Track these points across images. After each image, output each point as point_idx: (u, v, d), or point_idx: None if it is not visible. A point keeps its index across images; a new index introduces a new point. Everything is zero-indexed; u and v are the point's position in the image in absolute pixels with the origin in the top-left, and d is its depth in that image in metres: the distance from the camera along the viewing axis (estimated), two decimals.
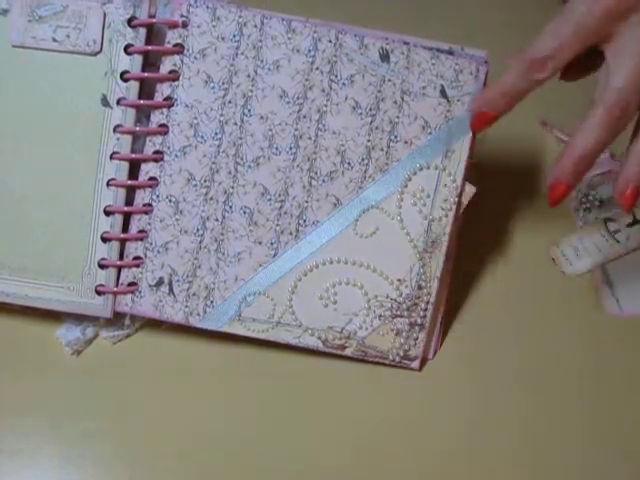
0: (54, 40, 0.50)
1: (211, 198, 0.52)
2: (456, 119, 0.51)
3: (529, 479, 0.51)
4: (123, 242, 0.52)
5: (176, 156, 0.51)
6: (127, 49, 0.50)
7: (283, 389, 0.53)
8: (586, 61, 0.47)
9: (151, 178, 0.52)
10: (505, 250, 0.60)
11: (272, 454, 0.51)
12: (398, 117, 0.52)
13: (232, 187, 0.52)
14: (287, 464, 0.50)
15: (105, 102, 0.51)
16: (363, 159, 0.52)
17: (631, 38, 0.44)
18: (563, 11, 0.46)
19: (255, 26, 0.51)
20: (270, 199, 0.52)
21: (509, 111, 0.49)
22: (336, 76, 0.51)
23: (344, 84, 0.51)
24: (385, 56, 0.51)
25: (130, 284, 0.52)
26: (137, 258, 0.52)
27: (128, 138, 0.51)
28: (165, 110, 0.51)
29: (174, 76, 0.51)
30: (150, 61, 0.51)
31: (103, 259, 0.52)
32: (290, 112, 0.51)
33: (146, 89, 0.51)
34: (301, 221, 0.52)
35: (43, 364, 0.53)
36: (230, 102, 0.51)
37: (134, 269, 0.52)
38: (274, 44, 0.51)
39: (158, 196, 0.52)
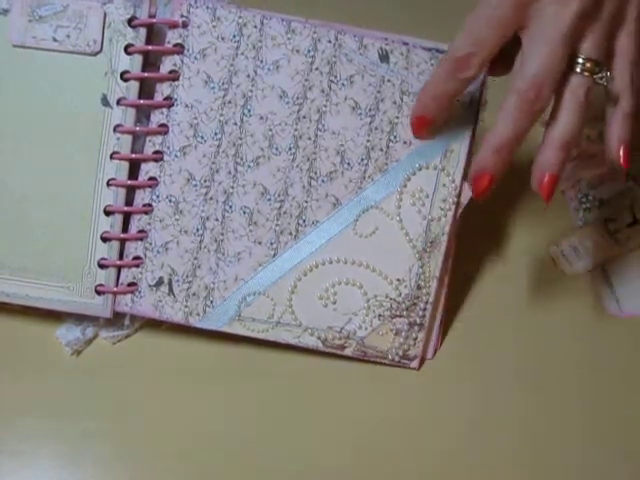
0: (54, 40, 0.50)
1: (211, 198, 0.52)
2: (455, 119, 0.51)
3: (529, 479, 0.51)
4: (123, 242, 0.52)
5: (176, 156, 0.51)
6: (127, 49, 0.50)
7: (283, 389, 0.53)
8: (513, 54, 0.46)
9: (151, 178, 0.52)
10: (505, 250, 0.60)
11: (272, 454, 0.51)
12: (397, 117, 0.52)
13: (232, 187, 0.52)
14: (287, 464, 0.50)
15: (105, 102, 0.51)
16: (362, 159, 0.52)
17: (542, 23, 0.44)
18: (477, 6, 0.45)
19: (255, 26, 0.51)
20: (270, 199, 0.52)
21: (446, 112, 0.49)
22: (335, 76, 0.51)
23: (343, 84, 0.51)
24: (384, 56, 0.51)
25: (130, 284, 0.52)
26: (137, 258, 0.52)
27: (128, 138, 0.51)
28: (165, 110, 0.51)
29: (174, 76, 0.51)
30: (150, 61, 0.52)
31: (103, 259, 0.52)
32: (290, 112, 0.51)
33: (146, 89, 0.51)
34: (301, 221, 0.52)
35: (43, 364, 0.53)
36: (230, 102, 0.51)
37: (134, 269, 0.52)
38: (274, 44, 0.51)
39: (158, 196, 0.52)
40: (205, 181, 0.52)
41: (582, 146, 0.60)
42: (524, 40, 0.45)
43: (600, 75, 0.45)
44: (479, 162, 0.47)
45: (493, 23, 0.44)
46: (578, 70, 0.45)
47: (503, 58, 0.46)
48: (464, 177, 0.52)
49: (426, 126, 0.50)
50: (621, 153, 0.47)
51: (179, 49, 0.51)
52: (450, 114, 0.50)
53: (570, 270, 0.59)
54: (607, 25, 0.45)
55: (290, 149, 0.52)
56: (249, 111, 0.51)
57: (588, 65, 0.45)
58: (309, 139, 0.52)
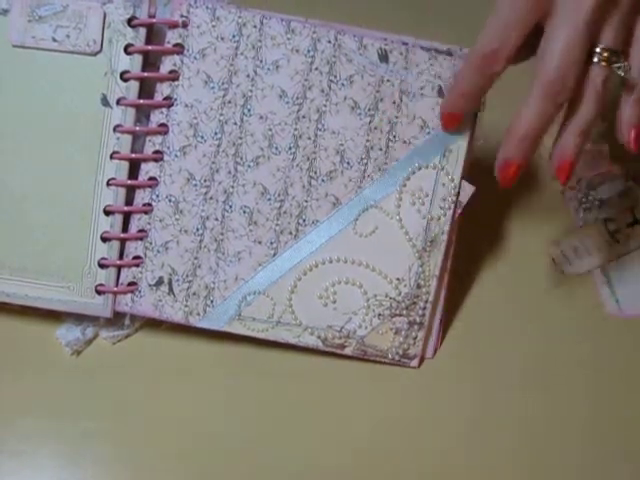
0: (54, 40, 0.50)
1: (211, 198, 0.52)
2: None
3: (529, 478, 0.51)
4: (123, 242, 0.52)
5: (176, 156, 0.51)
6: (127, 49, 0.50)
7: (283, 389, 0.53)
8: (533, 40, 0.47)
9: (151, 178, 0.52)
10: (504, 250, 0.60)
11: (272, 454, 0.51)
12: (397, 117, 0.52)
13: (232, 187, 0.52)
14: (287, 464, 0.50)
15: (105, 102, 0.51)
16: (362, 159, 0.52)
17: (565, 10, 0.44)
18: (498, 1, 0.46)
19: (254, 26, 0.51)
20: (270, 199, 0.52)
21: (475, 108, 0.50)
22: (335, 76, 0.51)
23: (343, 84, 0.51)
24: (384, 56, 0.51)
25: (130, 284, 0.52)
26: (137, 258, 0.52)
27: (128, 138, 0.51)
28: (165, 110, 0.51)
29: (174, 76, 0.51)
30: (150, 61, 0.52)
31: (103, 259, 0.52)
32: (289, 112, 0.51)
33: (146, 89, 0.51)
34: (301, 220, 0.52)
35: (43, 364, 0.53)
36: (230, 102, 0.51)
37: (134, 269, 0.52)
38: (273, 44, 0.51)
39: (158, 196, 0.52)
40: (205, 181, 0.52)
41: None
42: (547, 28, 0.45)
43: (618, 65, 0.45)
44: (505, 152, 0.47)
45: (516, 14, 0.45)
46: (596, 60, 0.45)
47: (524, 45, 0.46)
48: (463, 176, 0.52)
49: (456, 122, 0.51)
50: (632, 136, 0.48)
51: (179, 49, 0.51)
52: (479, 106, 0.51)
53: (570, 270, 0.59)
54: (626, 13, 0.45)
55: (290, 149, 0.52)
56: (249, 111, 0.51)
57: (606, 55, 0.45)
58: (309, 139, 0.52)
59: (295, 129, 0.52)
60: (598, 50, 0.45)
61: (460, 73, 0.48)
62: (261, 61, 0.51)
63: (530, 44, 0.46)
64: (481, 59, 0.46)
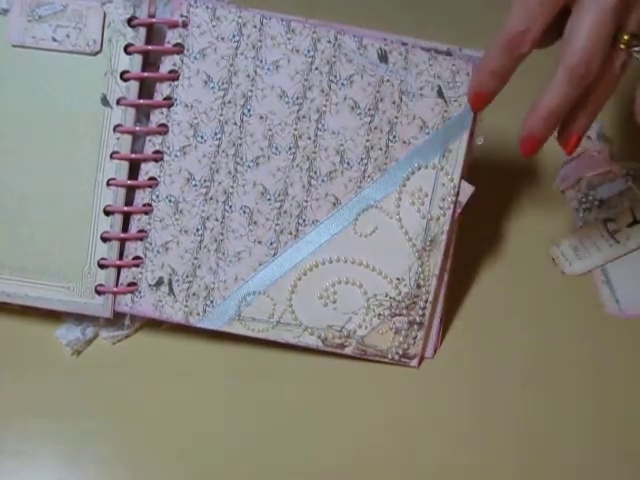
0: (54, 40, 0.50)
1: (211, 198, 0.52)
2: (453, 119, 0.52)
3: (529, 478, 0.51)
4: (123, 242, 0.52)
5: (176, 156, 0.51)
6: (127, 49, 0.50)
7: (283, 389, 0.53)
8: (559, 24, 0.47)
9: (151, 178, 0.52)
10: (504, 250, 0.60)
11: (272, 454, 0.51)
12: (396, 117, 0.52)
13: (232, 187, 0.52)
14: (287, 464, 0.50)
15: (105, 102, 0.51)
16: (362, 159, 0.52)
17: None
18: None
19: (255, 26, 0.51)
20: (270, 199, 0.52)
21: (501, 87, 0.49)
22: (335, 76, 0.51)
23: (343, 84, 0.51)
24: (384, 57, 0.51)
25: (130, 284, 0.52)
26: (137, 258, 0.52)
27: (128, 138, 0.51)
28: (165, 110, 0.51)
29: (174, 76, 0.51)
30: (150, 61, 0.52)
31: (103, 259, 0.52)
32: (289, 112, 0.51)
33: (146, 89, 0.51)
34: (301, 220, 0.52)
35: (43, 364, 0.53)
36: (230, 102, 0.51)
37: (134, 269, 0.52)
38: (274, 44, 0.51)
39: (158, 196, 0.52)
40: (205, 181, 0.52)
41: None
42: (574, 11, 0.45)
43: (637, 49, 0.46)
44: (529, 126, 0.48)
45: None
46: (617, 44, 0.45)
47: (550, 28, 0.46)
48: (463, 176, 0.52)
49: (484, 101, 0.50)
50: None
51: (179, 49, 0.51)
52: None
53: (570, 270, 0.59)
54: None
55: (290, 149, 0.52)
56: (249, 111, 0.51)
57: (626, 38, 0.45)
58: (309, 139, 0.52)
59: (295, 129, 0.52)
60: (620, 34, 0.45)
61: (487, 53, 0.48)
62: (261, 61, 0.51)
63: (556, 27, 0.46)
64: (508, 40, 0.46)
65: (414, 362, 0.54)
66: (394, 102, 0.52)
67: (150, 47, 0.51)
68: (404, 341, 0.53)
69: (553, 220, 0.61)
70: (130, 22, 0.50)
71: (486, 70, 0.49)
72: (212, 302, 0.52)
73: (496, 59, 0.48)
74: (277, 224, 0.52)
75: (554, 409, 0.54)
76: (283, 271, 0.52)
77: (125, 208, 0.52)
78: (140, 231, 0.52)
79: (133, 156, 0.51)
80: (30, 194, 0.52)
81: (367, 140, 0.52)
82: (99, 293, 0.52)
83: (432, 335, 0.55)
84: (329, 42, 0.51)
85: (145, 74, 0.51)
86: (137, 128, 0.51)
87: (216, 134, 0.51)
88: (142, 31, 0.50)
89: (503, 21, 0.46)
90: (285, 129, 0.52)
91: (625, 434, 0.53)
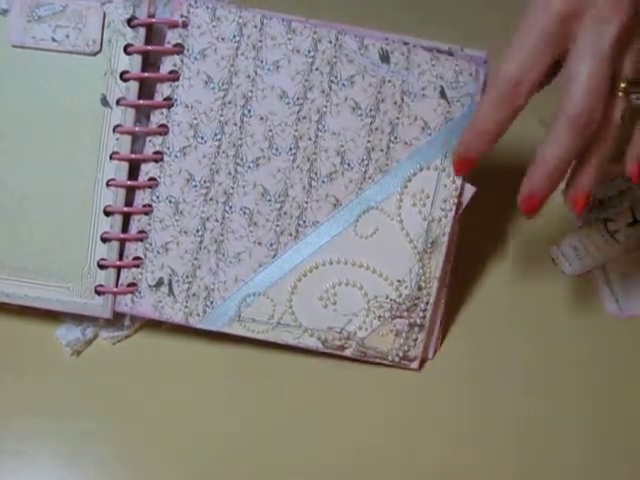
0: (54, 40, 0.50)
1: (211, 199, 0.52)
2: (456, 120, 0.51)
3: (529, 478, 0.51)
4: (123, 242, 0.52)
5: (176, 157, 0.51)
6: (127, 49, 0.50)
7: (283, 389, 0.53)
8: (552, 69, 0.46)
9: (151, 179, 0.52)
10: (505, 250, 0.60)
11: (272, 454, 0.51)
12: (398, 118, 0.51)
13: (232, 188, 0.52)
14: (287, 464, 0.50)
15: (105, 102, 0.51)
16: (363, 160, 0.52)
17: (586, 42, 0.44)
18: (518, 31, 0.45)
19: (255, 26, 0.51)
20: (270, 200, 0.52)
21: (491, 149, 0.48)
22: (336, 77, 0.51)
23: (344, 85, 0.51)
24: (385, 57, 0.51)
25: (130, 284, 0.52)
26: (137, 258, 0.52)
27: (128, 138, 0.51)
28: (165, 110, 0.51)
29: (174, 76, 0.51)
30: (150, 61, 0.51)
31: (103, 259, 0.52)
32: (290, 113, 0.51)
33: (146, 89, 0.51)
34: (301, 222, 0.52)
35: (43, 364, 0.53)
36: (230, 103, 0.51)
37: (134, 269, 0.52)
38: (274, 44, 0.51)
39: (158, 197, 0.52)
40: (205, 182, 0.51)
41: None
42: (568, 61, 0.45)
43: (635, 96, 0.45)
44: (530, 184, 0.47)
45: (538, 45, 0.44)
46: (615, 91, 0.45)
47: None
48: (465, 178, 0.52)
49: (471, 166, 0.50)
50: (634, 170, 0.48)
51: (179, 49, 0.50)
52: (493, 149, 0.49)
53: (570, 270, 0.59)
54: None
55: (290, 150, 0.52)
56: (249, 111, 0.51)
57: (624, 85, 0.45)
58: (309, 139, 0.51)
59: (295, 130, 0.51)
60: (617, 82, 0.45)
61: (479, 111, 0.47)
62: (261, 61, 0.51)
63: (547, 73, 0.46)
64: (502, 94, 0.45)
65: (414, 364, 0.54)
66: (395, 103, 0.51)
67: (150, 47, 0.51)
68: (404, 343, 0.53)
69: (553, 220, 0.61)
70: (130, 22, 0.50)
71: (478, 130, 0.47)
72: (212, 303, 0.52)
73: (490, 115, 0.46)
74: (277, 225, 0.52)
75: (554, 409, 0.54)
76: (283, 272, 0.52)
77: (125, 209, 0.51)
78: (140, 232, 0.52)
79: (133, 156, 0.51)
80: (30, 194, 0.51)
81: (368, 141, 0.52)
82: (99, 293, 0.52)
83: (433, 337, 0.54)
84: (330, 42, 0.51)
85: (145, 74, 0.51)
86: (137, 128, 0.51)
87: (216, 135, 0.51)
88: (142, 31, 0.50)
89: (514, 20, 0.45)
90: (285, 130, 0.51)
91: (625, 434, 0.53)
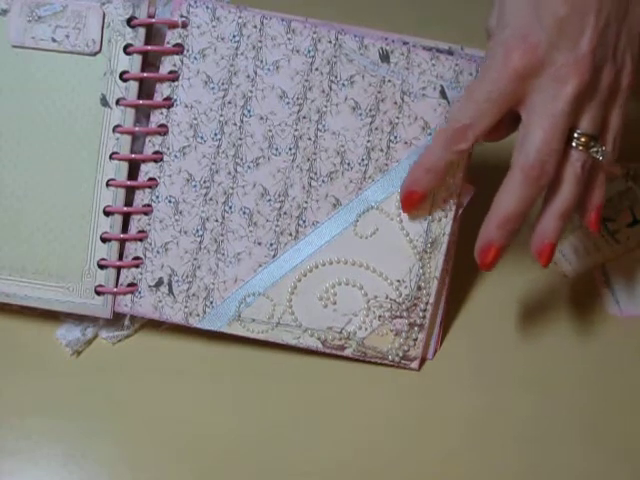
0: (53, 40, 0.50)
1: (211, 199, 0.52)
2: None
3: (529, 478, 0.51)
4: (123, 242, 0.52)
5: (175, 157, 0.51)
6: (126, 49, 0.50)
7: (283, 389, 0.53)
8: (507, 121, 0.47)
9: (151, 179, 0.52)
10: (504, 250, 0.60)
11: (272, 454, 0.51)
12: (398, 118, 0.51)
13: (232, 188, 0.52)
14: (287, 464, 0.50)
15: (104, 102, 0.51)
16: (363, 160, 0.52)
17: (542, 98, 0.45)
18: (478, 77, 0.46)
19: (255, 26, 0.51)
20: (270, 200, 0.52)
21: (438, 186, 0.50)
22: (336, 77, 0.51)
23: (344, 85, 0.51)
24: (385, 57, 0.51)
25: (130, 284, 0.52)
26: (137, 258, 0.52)
27: (127, 138, 0.51)
28: (165, 110, 0.51)
29: (174, 76, 0.51)
30: (150, 61, 0.51)
31: (103, 259, 0.52)
32: (290, 113, 0.51)
33: (145, 89, 0.51)
34: (301, 222, 0.52)
35: (43, 364, 0.53)
36: (230, 103, 0.51)
37: (134, 269, 0.52)
38: (274, 44, 0.51)
39: (158, 197, 0.52)
40: (205, 182, 0.51)
41: None
42: (524, 115, 0.46)
43: (595, 149, 0.46)
44: (485, 236, 0.48)
45: (492, 97, 0.45)
46: (574, 144, 0.46)
47: (497, 126, 0.47)
48: (464, 178, 0.52)
49: (417, 202, 0.51)
50: (593, 219, 0.49)
51: (179, 49, 0.50)
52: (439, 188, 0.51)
53: (570, 270, 0.59)
54: (603, 98, 0.46)
55: (290, 149, 0.52)
56: (249, 111, 0.51)
57: (584, 140, 0.46)
58: (309, 139, 0.51)
59: (295, 130, 0.51)
60: (576, 135, 0.45)
61: (427, 148, 0.49)
62: (261, 61, 0.51)
63: (501, 125, 0.47)
64: (450, 135, 0.47)
65: (414, 364, 0.54)
66: (395, 102, 0.51)
67: (150, 47, 0.51)
68: (404, 343, 0.53)
69: None
70: (130, 22, 0.50)
71: (424, 167, 0.49)
72: (212, 303, 0.52)
73: (435, 155, 0.48)
74: (277, 225, 0.52)
75: (554, 409, 0.54)
76: (283, 272, 0.52)
77: (125, 209, 0.51)
78: (140, 232, 0.52)
79: (133, 156, 0.51)
80: (30, 194, 0.51)
81: (368, 141, 0.52)
82: (99, 293, 0.52)
83: (432, 337, 0.54)
84: (330, 42, 0.51)
85: (145, 74, 0.51)
86: (137, 129, 0.51)
87: (216, 135, 0.51)
88: (142, 31, 0.50)
89: None
90: (285, 130, 0.51)
91: (625, 434, 0.53)
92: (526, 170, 0.45)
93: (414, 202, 0.50)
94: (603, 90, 0.45)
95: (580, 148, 0.46)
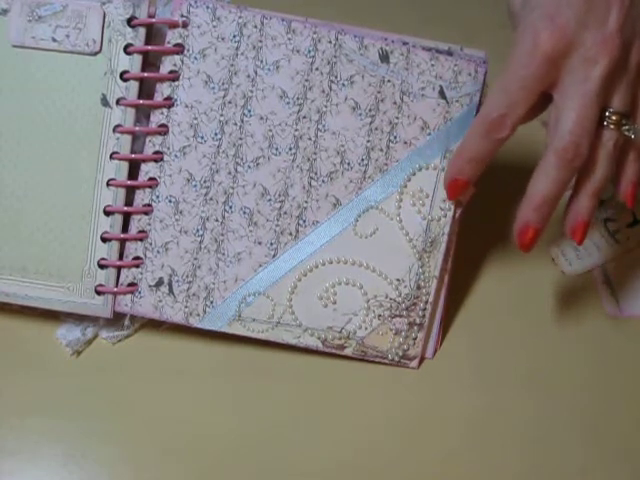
0: (54, 40, 0.50)
1: (211, 198, 0.52)
2: (455, 120, 0.51)
3: (529, 478, 0.51)
4: (123, 242, 0.52)
5: (176, 156, 0.51)
6: (127, 49, 0.50)
7: (283, 389, 0.53)
8: (539, 101, 0.47)
9: (151, 178, 0.52)
10: (504, 250, 0.60)
11: (272, 454, 0.51)
12: (397, 118, 0.52)
13: (232, 187, 0.52)
14: (287, 464, 0.50)
15: (105, 102, 0.51)
16: (363, 159, 0.52)
17: (572, 80, 0.45)
18: (507, 64, 0.46)
19: (255, 26, 0.51)
20: (270, 199, 0.52)
21: (480, 173, 0.50)
22: (336, 77, 0.51)
23: (344, 85, 0.51)
24: (385, 57, 0.51)
25: (130, 284, 0.52)
26: (137, 258, 0.52)
27: (128, 138, 0.51)
28: (165, 110, 0.51)
29: (174, 76, 0.51)
30: (150, 61, 0.51)
31: (103, 259, 0.52)
32: (290, 112, 0.51)
33: (146, 89, 0.51)
34: (301, 221, 0.52)
35: (43, 364, 0.53)
36: (230, 102, 0.51)
37: (134, 269, 0.52)
38: (274, 44, 0.51)
39: (158, 196, 0.52)
40: (205, 181, 0.52)
41: None
42: (556, 96, 0.46)
43: (627, 127, 0.46)
44: (523, 217, 0.48)
45: (525, 82, 0.45)
46: (606, 123, 0.46)
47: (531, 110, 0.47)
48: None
49: (461, 188, 0.51)
50: (629, 193, 0.49)
51: (179, 49, 0.51)
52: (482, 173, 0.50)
53: (570, 270, 0.59)
54: (633, 76, 0.46)
55: (290, 149, 0.52)
56: (249, 111, 0.51)
57: (615, 118, 0.46)
58: (309, 139, 0.52)
59: (295, 130, 0.51)
60: (608, 114, 0.46)
61: (466, 139, 0.49)
62: (261, 61, 0.51)
63: (534, 108, 0.47)
64: (488, 125, 0.47)
65: (414, 363, 0.54)
66: (395, 102, 0.52)
67: (150, 47, 0.51)
68: (404, 342, 0.53)
69: (553, 220, 0.61)
70: (130, 22, 0.50)
71: (465, 157, 0.49)
72: (212, 302, 0.52)
73: (475, 145, 0.48)
74: (277, 225, 0.52)
75: (554, 409, 0.54)
76: (283, 272, 0.52)
77: (125, 208, 0.52)
78: (140, 231, 0.52)
79: (133, 156, 0.51)
80: (30, 194, 0.52)
81: (368, 141, 0.52)
82: (99, 293, 0.52)
83: (432, 336, 0.54)
84: (330, 42, 0.51)
85: (145, 74, 0.51)
86: (137, 128, 0.51)
87: (216, 134, 0.51)
88: (142, 31, 0.50)
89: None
90: (285, 130, 0.51)
91: (625, 434, 0.53)
92: (560, 153, 0.45)
93: (459, 188, 0.51)
94: (632, 68, 0.45)
95: (612, 127, 0.46)
